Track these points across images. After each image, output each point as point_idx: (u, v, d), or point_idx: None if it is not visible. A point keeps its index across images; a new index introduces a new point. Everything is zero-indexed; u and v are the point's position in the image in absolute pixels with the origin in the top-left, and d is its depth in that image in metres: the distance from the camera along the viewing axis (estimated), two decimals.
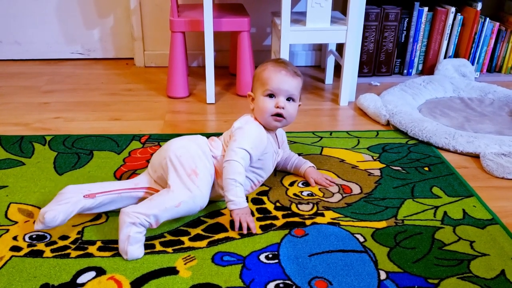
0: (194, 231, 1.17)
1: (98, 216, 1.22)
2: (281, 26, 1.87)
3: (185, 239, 1.14)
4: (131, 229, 1.07)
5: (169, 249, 1.11)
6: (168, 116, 1.87)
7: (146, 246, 1.11)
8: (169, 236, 1.15)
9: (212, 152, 1.27)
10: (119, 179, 1.39)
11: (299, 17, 2.01)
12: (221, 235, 1.16)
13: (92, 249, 1.10)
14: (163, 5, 2.37)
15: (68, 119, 1.83)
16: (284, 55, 1.90)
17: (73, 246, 1.11)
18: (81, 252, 1.09)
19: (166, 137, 1.66)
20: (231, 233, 1.17)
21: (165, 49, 2.42)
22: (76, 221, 1.19)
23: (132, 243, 1.06)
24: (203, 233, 1.16)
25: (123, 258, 1.07)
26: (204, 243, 1.13)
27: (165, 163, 1.19)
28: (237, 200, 1.18)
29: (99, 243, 1.12)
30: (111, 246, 1.11)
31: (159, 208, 1.11)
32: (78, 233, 1.15)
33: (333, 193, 1.36)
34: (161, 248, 1.11)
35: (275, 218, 1.23)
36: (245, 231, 1.16)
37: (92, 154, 1.54)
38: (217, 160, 1.27)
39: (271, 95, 1.29)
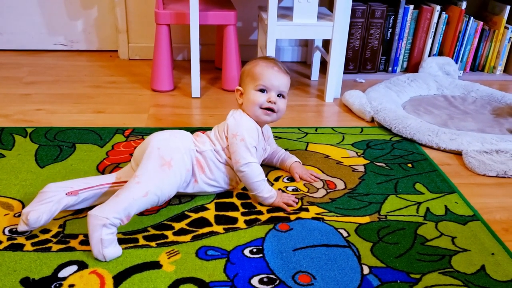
0: (178, 225, 1.16)
1: (80, 209, 1.20)
2: (267, 21, 1.87)
3: (169, 233, 1.13)
4: (102, 231, 1.02)
5: (153, 243, 1.10)
6: (152, 110, 1.85)
7: (130, 240, 1.10)
8: (152, 230, 1.14)
9: (197, 147, 1.26)
10: (102, 172, 1.38)
11: (286, 12, 2.00)
12: (206, 230, 1.15)
13: (74, 243, 1.08)
14: None
15: (50, 111, 1.80)
16: (271, 50, 1.90)
17: (54, 240, 1.09)
18: (63, 246, 1.07)
19: (150, 131, 1.64)
20: (215, 228, 1.16)
21: (150, 41, 2.39)
22: (57, 215, 1.16)
23: (106, 245, 1.03)
24: (187, 228, 1.16)
25: (101, 261, 1.04)
26: (188, 237, 1.12)
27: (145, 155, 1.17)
28: (272, 193, 1.25)
29: (81, 237, 1.10)
30: None
31: (128, 201, 1.06)
32: (60, 226, 1.14)
33: (318, 189, 1.36)
34: (145, 242, 1.10)
35: (260, 213, 1.23)
36: (295, 205, 1.26)
37: (74, 147, 1.52)
38: (202, 155, 1.25)
39: (262, 90, 1.29)
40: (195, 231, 1.14)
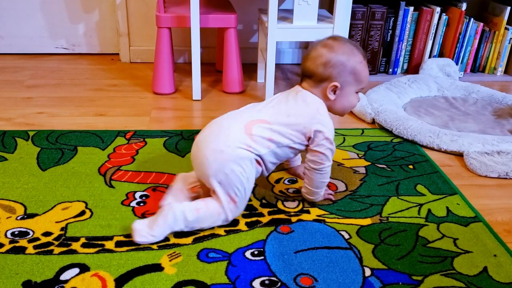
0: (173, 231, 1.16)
1: (82, 212, 1.20)
2: (268, 23, 1.87)
3: (170, 235, 1.13)
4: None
5: (154, 246, 1.10)
6: (153, 113, 1.86)
7: (130, 243, 1.10)
8: None
9: (254, 150, 1.15)
10: (104, 175, 1.38)
11: (286, 15, 2.01)
12: (207, 232, 1.15)
13: (76, 245, 1.09)
14: (149, 0, 2.35)
15: (52, 114, 1.80)
16: (271, 52, 1.90)
17: (56, 243, 1.09)
18: (65, 249, 1.07)
19: (152, 134, 1.65)
20: (216, 230, 1.16)
21: (151, 44, 2.40)
22: (59, 217, 1.17)
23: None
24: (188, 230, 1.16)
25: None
26: (189, 239, 1.12)
27: (208, 182, 1.15)
28: (322, 193, 1.28)
29: (83, 240, 1.11)
30: (95, 242, 1.10)
31: (199, 224, 1.14)
32: (62, 229, 1.14)
33: None
34: (146, 245, 1.10)
35: (261, 215, 1.23)
36: (334, 198, 1.32)
37: (76, 150, 1.52)
38: (262, 158, 1.17)
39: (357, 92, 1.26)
40: (197, 234, 1.15)
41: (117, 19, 2.37)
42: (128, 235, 1.13)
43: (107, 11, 2.42)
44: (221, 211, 1.15)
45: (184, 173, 1.27)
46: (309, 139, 1.20)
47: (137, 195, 1.29)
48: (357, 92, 1.25)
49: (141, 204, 1.25)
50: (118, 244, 1.10)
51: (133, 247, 1.09)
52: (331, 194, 1.32)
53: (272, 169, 1.23)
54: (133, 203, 1.25)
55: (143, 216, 1.20)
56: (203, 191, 1.23)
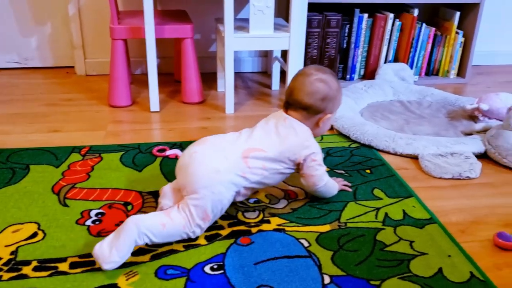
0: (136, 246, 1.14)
1: (34, 234, 1.16)
2: (224, 33, 1.87)
3: None
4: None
5: None
6: (110, 126, 1.82)
7: (86, 264, 1.07)
8: None
9: (246, 180, 1.19)
10: (57, 194, 1.34)
11: (243, 24, 2.01)
12: (165, 248, 1.13)
13: (27, 269, 1.04)
14: (103, 11, 2.31)
15: (3, 132, 1.74)
16: (229, 62, 1.90)
17: (5, 268, 1.05)
18: (15, 274, 1.03)
19: (108, 148, 1.61)
20: (175, 246, 1.14)
21: (107, 56, 2.36)
22: (9, 241, 1.12)
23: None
24: (146, 247, 1.13)
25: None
26: (147, 257, 1.10)
27: (192, 192, 1.14)
28: (337, 186, 1.37)
29: (34, 263, 1.06)
30: (48, 265, 1.06)
31: (163, 238, 1.11)
32: (12, 253, 1.09)
33: (279, 199, 1.36)
34: None
35: (221, 227, 1.22)
36: (350, 189, 1.41)
37: (28, 168, 1.47)
38: (250, 182, 1.21)
39: None
40: (154, 250, 1.12)
41: (71, 31, 2.32)
42: (83, 255, 1.09)
43: (60, 23, 2.36)
44: (187, 225, 1.13)
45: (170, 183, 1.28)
46: (298, 165, 1.26)
47: (92, 213, 1.26)
48: None
49: (97, 222, 1.22)
50: (73, 265, 1.07)
51: (88, 268, 1.06)
52: (346, 185, 1.42)
53: (246, 196, 1.26)
54: (88, 222, 1.22)
55: (98, 235, 1.17)
56: (176, 198, 1.22)
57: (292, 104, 1.28)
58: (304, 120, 1.28)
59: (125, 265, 1.07)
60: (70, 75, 2.38)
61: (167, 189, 1.25)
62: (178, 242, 1.15)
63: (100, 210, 1.27)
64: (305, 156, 1.24)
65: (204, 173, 1.14)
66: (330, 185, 1.33)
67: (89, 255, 1.09)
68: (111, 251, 1.03)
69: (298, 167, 1.27)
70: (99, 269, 1.05)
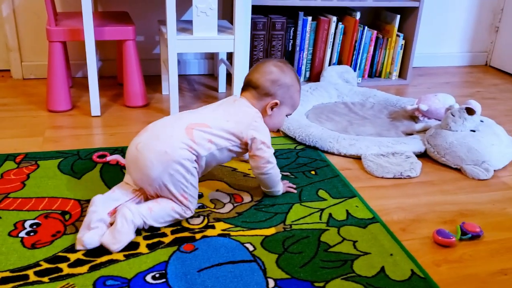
0: (74, 256, 1.09)
1: None
2: (167, 35, 1.83)
3: (63, 265, 1.05)
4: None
5: (45, 279, 1.01)
6: (48, 132, 1.74)
7: (19, 278, 1.01)
8: (45, 264, 1.06)
9: (194, 154, 1.21)
10: None
11: (187, 26, 1.98)
12: (104, 258, 1.09)
13: None
14: (40, 12, 2.21)
15: None
16: (173, 64, 1.86)
17: None
18: None
19: (45, 155, 1.54)
20: (115, 255, 1.10)
21: (45, 59, 2.25)
22: None
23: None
24: (84, 258, 1.08)
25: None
26: (85, 268, 1.05)
27: (154, 186, 1.19)
28: (279, 188, 1.38)
29: None
30: None
31: (155, 220, 1.18)
32: None
33: (224, 204, 1.34)
34: (36, 278, 1.01)
35: (164, 235, 1.19)
36: (295, 191, 1.42)
37: None
38: (201, 157, 1.23)
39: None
40: (93, 261, 1.08)
41: (5, 33, 2.21)
42: (16, 270, 1.03)
43: None
44: (175, 205, 1.20)
45: (100, 195, 1.21)
46: (246, 144, 1.29)
47: (27, 224, 1.19)
48: (287, 115, 1.39)
49: (32, 233, 1.16)
50: (3, 281, 1.00)
51: (20, 283, 1.00)
52: (290, 187, 1.42)
53: (204, 171, 1.29)
54: (22, 233, 1.15)
55: (33, 246, 1.11)
56: (143, 198, 1.25)
57: (246, 84, 1.35)
58: (254, 100, 1.32)
59: (61, 277, 1.02)
60: (6, 79, 2.26)
61: (99, 199, 1.20)
62: (121, 251, 1.11)
63: (36, 221, 1.20)
64: (252, 137, 1.27)
65: (154, 162, 1.17)
66: (277, 171, 1.34)
67: (22, 268, 1.03)
68: (114, 235, 1.11)
69: (246, 147, 1.30)
70: (34, 283, 0.99)
